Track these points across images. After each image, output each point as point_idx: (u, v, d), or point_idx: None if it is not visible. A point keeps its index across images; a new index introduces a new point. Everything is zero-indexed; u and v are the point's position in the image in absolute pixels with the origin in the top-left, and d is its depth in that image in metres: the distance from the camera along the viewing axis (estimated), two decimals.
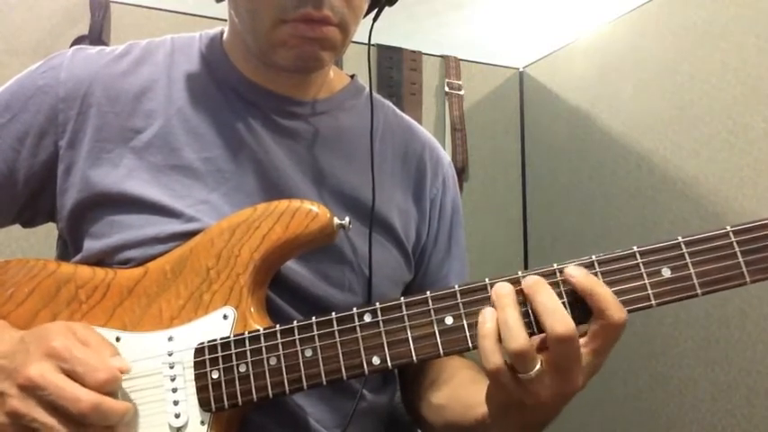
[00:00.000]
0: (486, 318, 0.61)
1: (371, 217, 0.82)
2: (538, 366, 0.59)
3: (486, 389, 0.66)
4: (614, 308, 0.59)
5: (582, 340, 0.60)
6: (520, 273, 0.63)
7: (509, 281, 0.63)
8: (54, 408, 0.61)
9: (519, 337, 0.58)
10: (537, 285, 0.61)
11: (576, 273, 0.61)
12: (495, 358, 0.59)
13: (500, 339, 0.59)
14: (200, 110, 0.81)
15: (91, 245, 0.77)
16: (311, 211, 0.72)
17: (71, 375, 0.63)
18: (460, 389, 0.80)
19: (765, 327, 1.27)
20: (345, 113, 0.88)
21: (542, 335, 0.60)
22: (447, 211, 0.94)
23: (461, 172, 1.87)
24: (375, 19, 0.86)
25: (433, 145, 0.96)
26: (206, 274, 0.72)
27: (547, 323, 0.58)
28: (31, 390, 0.62)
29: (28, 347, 0.65)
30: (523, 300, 0.61)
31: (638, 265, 0.61)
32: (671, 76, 1.50)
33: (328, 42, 0.75)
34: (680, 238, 0.61)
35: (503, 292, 0.61)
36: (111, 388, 0.64)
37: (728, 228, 0.60)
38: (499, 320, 0.60)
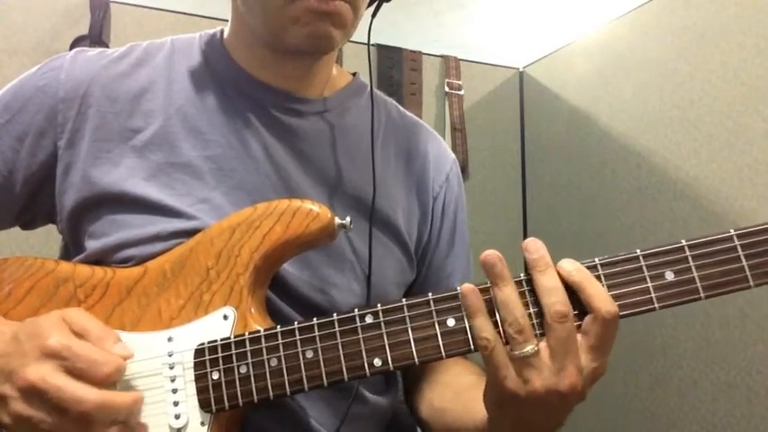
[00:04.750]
0: (471, 296, 0.62)
1: (371, 214, 0.82)
2: (533, 345, 0.59)
3: (485, 383, 0.66)
4: (604, 300, 0.59)
5: (577, 337, 0.60)
6: (522, 275, 0.63)
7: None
8: (59, 408, 0.61)
9: (517, 311, 0.59)
10: (541, 263, 0.61)
11: (568, 266, 0.61)
12: (486, 332, 0.60)
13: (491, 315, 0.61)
14: (201, 108, 0.81)
15: (91, 244, 0.77)
16: (312, 211, 0.72)
17: (73, 372, 0.62)
18: (462, 392, 0.80)
19: (765, 327, 1.27)
20: (348, 112, 0.88)
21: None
22: (450, 209, 0.93)
23: (461, 172, 1.87)
24: (374, 15, 0.86)
25: (438, 142, 0.96)
26: (206, 274, 0.71)
27: (546, 301, 0.59)
28: (33, 393, 0.61)
29: (23, 347, 0.63)
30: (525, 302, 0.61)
31: (641, 268, 0.61)
32: (671, 76, 1.50)
33: (339, 19, 0.75)
34: (683, 242, 0.60)
35: (496, 270, 0.61)
36: (116, 379, 0.64)
37: (732, 231, 0.60)
38: (497, 297, 0.61)
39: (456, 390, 0.82)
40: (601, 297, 0.59)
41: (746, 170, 1.32)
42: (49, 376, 0.61)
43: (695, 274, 0.60)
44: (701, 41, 1.43)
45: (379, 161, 0.85)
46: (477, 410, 0.69)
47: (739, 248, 0.59)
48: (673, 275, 0.60)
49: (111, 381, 0.63)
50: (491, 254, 0.62)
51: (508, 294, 0.61)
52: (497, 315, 0.61)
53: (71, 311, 0.68)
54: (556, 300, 0.59)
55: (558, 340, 0.59)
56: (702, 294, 0.59)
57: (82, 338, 0.65)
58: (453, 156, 0.98)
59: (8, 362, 0.63)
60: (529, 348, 0.59)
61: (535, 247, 0.62)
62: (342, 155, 0.85)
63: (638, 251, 0.61)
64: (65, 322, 0.66)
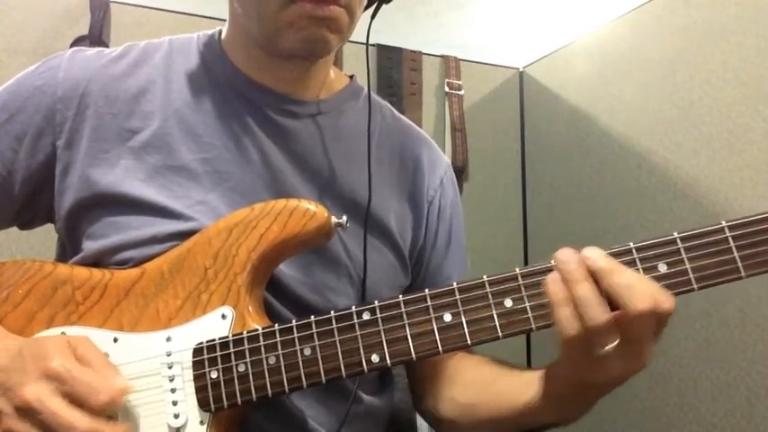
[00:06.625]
0: (558, 286, 0.59)
1: (366, 217, 0.81)
2: (617, 341, 0.58)
3: (548, 370, 0.66)
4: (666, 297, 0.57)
5: None
6: (517, 269, 0.63)
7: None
8: (50, 430, 0.61)
9: (600, 313, 0.57)
10: (609, 264, 0.58)
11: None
12: (574, 326, 0.57)
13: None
14: (198, 110, 0.81)
15: (89, 245, 0.77)
16: (309, 210, 0.72)
17: (71, 397, 0.62)
18: (496, 384, 0.80)
19: (765, 327, 1.27)
20: (344, 114, 0.88)
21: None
22: (446, 213, 0.93)
23: (461, 172, 1.87)
24: (373, 17, 0.86)
25: (431, 146, 0.96)
26: (204, 274, 0.71)
27: (626, 299, 0.56)
28: (27, 412, 0.61)
29: (25, 365, 0.64)
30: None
31: (634, 260, 0.61)
32: (671, 76, 1.50)
33: (335, 24, 0.75)
34: (675, 234, 0.61)
35: (571, 267, 0.58)
36: (112, 409, 0.64)
37: (724, 222, 0.60)
38: (575, 297, 0.57)
39: (482, 383, 0.82)
40: (664, 295, 0.58)
41: (746, 170, 1.32)
42: (46, 398, 0.61)
43: (688, 266, 0.60)
44: (701, 41, 1.43)
45: (374, 165, 0.85)
46: (522, 393, 0.70)
47: (731, 240, 0.59)
48: (666, 267, 0.60)
49: (107, 410, 0.63)
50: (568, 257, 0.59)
51: (587, 290, 0.58)
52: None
53: (78, 339, 0.68)
54: (640, 296, 0.56)
55: (642, 331, 0.57)
56: (695, 285, 0.60)
57: (84, 366, 0.65)
58: (447, 160, 0.98)
59: (9, 377, 0.64)
60: (612, 346, 0.58)
61: (598, 253, 0.59)
62: (336, 158, 0.85)
63: (630, 244, 0.61)
64: (70, 348, 0.66)
